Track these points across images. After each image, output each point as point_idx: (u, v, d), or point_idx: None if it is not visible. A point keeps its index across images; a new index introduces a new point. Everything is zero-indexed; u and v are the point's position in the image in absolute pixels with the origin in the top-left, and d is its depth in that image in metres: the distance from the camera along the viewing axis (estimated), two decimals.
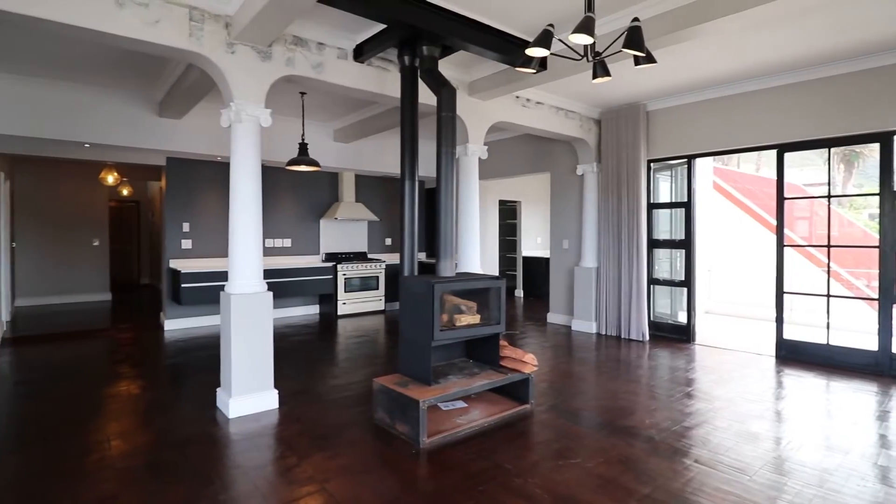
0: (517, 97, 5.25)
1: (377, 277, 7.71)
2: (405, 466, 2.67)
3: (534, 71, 2.80)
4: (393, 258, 8.39)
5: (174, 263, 6.38)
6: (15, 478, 2.54)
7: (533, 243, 9.85)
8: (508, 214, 9.90)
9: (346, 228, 8.01)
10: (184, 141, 5.87)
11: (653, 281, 5.92)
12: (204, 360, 4.87)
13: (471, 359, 3.69)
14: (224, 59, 3.33)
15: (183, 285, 5.97)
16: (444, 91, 3.47)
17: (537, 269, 9.30)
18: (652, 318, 5.92)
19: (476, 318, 3.39)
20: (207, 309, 6.61)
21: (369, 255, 8.26)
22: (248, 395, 3.42)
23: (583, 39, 2.30)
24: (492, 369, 3.46)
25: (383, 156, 7.68)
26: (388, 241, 8.56)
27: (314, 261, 7.60)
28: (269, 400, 3.51)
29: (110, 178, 7.91)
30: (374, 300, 7.67)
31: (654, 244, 5.90)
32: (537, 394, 3.77)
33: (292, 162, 5.43)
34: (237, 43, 3.38)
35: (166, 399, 3.75)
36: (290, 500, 2.34)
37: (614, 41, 2.59)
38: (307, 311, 7.60)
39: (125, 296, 9.45)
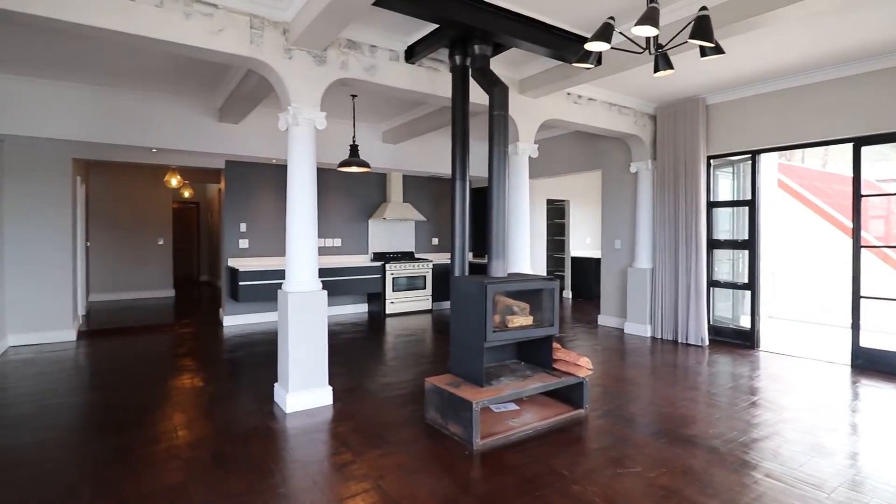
0: (568, 94, 5.14)
1: (424, 277, 7.75)
2: (459, 467, 2.66)
3: (591, 66, 2.72)
4: (440, 258, 8.41)
5: (232, 262, 6.66)
6: (91, 465, 2.71)
7: (581, 243, 9.63)
8: (556, 214, 9.72)
9: (394, 228, 8.11)
10: (241, 145, 6.11)
11: (712, 283, 5.64)
12: (261, 355, 5.05)
13: (522, 361, 3.64)
14: (282, 64, 3.43)
15: (241, 283, 6.22)
16: (497, 90, 3.43)
17: (586, 270, 9.08)
18: (711, 323, 5.65)
19: (529, 320, 3.34)
20: (263, 306, 6.85)
21: (416, 255, 8.32)
22: (304, 390, 3.50)
23: (646, 31, 2.21)
24: (545, 372, 3.39)
25: (430, 156, 7.71)
26: (435, 241, 8.60)
27: (363, 260, 7.73)
28: (323, 396, 3.59)
29: (174, 181, 8.35)
30: (421, 300, 7.72)
31: (713, 244, 5.62)
32: (591, 398, 3.67)
33: (344, 163, 5.54)
34: (294, 48, 3.48)
35: (227, 392, 3.91)
36: (347, 497, 2.38)
37: (679, 31, 2.47)
38: (356, 310, 7.75)
39: (186, 292, 9.95)
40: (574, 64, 2.78)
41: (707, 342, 5.46)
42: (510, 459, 2.74)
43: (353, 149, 5.60)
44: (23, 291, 5.40)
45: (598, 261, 8.84)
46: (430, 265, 7.83)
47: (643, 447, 2.91)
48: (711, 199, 5.62)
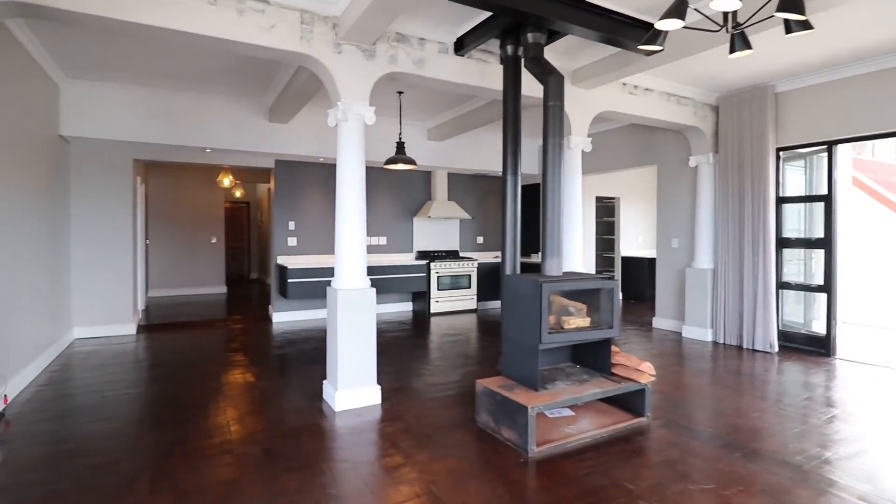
0: (624, 84, 4.89)
1: (469, 276, 7.64)
2: (515, 475, 2.52)
3: (659, 48, 2.52)
4: (485, 257, 8.28)
5: (281, 260, 6.77)
6: (149, 457, 2.75)
7: (633, 242, 9.25)
8: (605, 212, 9.37)
9: (439, 226, 8.03)
10: (290, 143, 6.20)
11: (782, 285, 5.24)
12: (310, 351, 5.08)
13: (578, 364, 3.46)
14: (331, 59, 3.40)
15: (289, 280, 6.30)
16: (552, 79, 3.27)
17: (638, 270, 8.72)
18: (780, 327, 5.25)
19: (586, 321, 3.16)
20: (312, 303, 6.93)
21: (461, 254, 8.21)
22: (353, 388, 3.46)
23: (728, 5, 2.00)
24: (602, 377, 3.21)
25: (476, 153, 7.59)
26: (480, 240, 8.47)
27: (408, 258, 7.70)
28: (372, 395, 3.54)
29: (226, 181, 8.60)
30: (466, 299, 7.61)
31: (782, 243, 5.22)
32: (652, 406, 3.45)
33: (390, 161, 5.51)
34: (343, 43, 3.44)
35: (278, 388, 3.93)
36: (399, 501, 2.29)
37: (764, 4, 2.24)
38: (401, 309, 7.72)
39: (237, 289, 10.26)
40: (640, 47, 2.59)
41: (776, 348, 5.07)
42: (569, 469, 2.58)
43: (400, 146, 5.56)
44: (88, 287, 5.67)
45: (650, 260, 8.49)
46: (475, 264, 7.71)
47: (714, 461, 2.69)
48: (780, 195, 5.22)
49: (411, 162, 5.47)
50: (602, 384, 3.08)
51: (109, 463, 2.66)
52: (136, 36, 3.24)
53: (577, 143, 4.57)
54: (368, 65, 3.54)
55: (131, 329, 5.93)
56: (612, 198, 9.22)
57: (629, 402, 3.23)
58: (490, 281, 7.87)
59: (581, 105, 4.63)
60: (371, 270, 6.82)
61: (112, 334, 5.79)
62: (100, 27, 2.90)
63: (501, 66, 4.11)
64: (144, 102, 5.42)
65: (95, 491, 2.37)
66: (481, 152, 7.63)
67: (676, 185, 6.16)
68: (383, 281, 6.95)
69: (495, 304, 8.05)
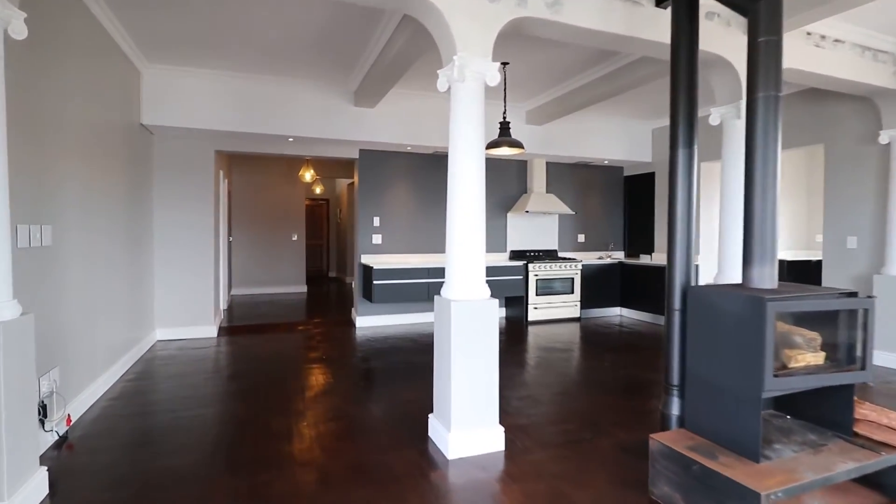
0: (808, 34, 3.74)
1: (572, 279, 6.66)
2: None
3: None
4: (588, 257, 7.25)
5: (366, 259, 6.18)
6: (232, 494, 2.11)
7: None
8: None
9: (536, 223, 7.11)
10: (376, 130, 5.58)
11: None
12: (400, 366, 4.38)
13: (787, 413, 2.44)
14: (446, 1, 2.62)
15: (375, 282, 5.67)
16: (763, 5, 2.28)
17: (787, 275, 7.29)
18: None
19: (820, 357, 2.15)
20: (398, 307, 6.29)
21: (560, 254, 7.24)
22: (470, 430, 2.67)
23: None
24: (842, 439, 2.17)
25: (579, 138, 6.62)
26: (581, 238, 7.44)
27: (501, 259, 6.86)
28: (494, 439, 2.72)
29: (307, 176, 8.22)
30: (569, 305, 6.64)
31: None
32: None
33: (492, 144, 4.68)
34: None
35: (371, 417, 3.23)
36: None
37: None
38: None
39: (317, 288, 9.92)
40: None
41: None
42: None
43: (504, 127, 4.71)
44: (170, 288, 5.35)
45: (802, 263, 7.02)
46: (579, 266, 6.71)
47: None
48: None
49: (518, 145, 4.62)
50: (851, 453, 2.05)
51: None
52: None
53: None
54: (491, 8, 2.72)
55: (212, 331, 5.56)
56: None
57: (882, 476, 2.17)
58: (595, 285, 6.84)
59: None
60: None
61: (193, 336, 5.45)
62: None
63: (658, 10, 3.16)
64: (226, 89, 4.99)
65: None
66: (584, 137, 6.65)
67: (854, 169, 4.83)
68: None
69: (601, 313, 7.00)
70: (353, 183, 10.07)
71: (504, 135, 4.69)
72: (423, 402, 3.41)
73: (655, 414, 3.25)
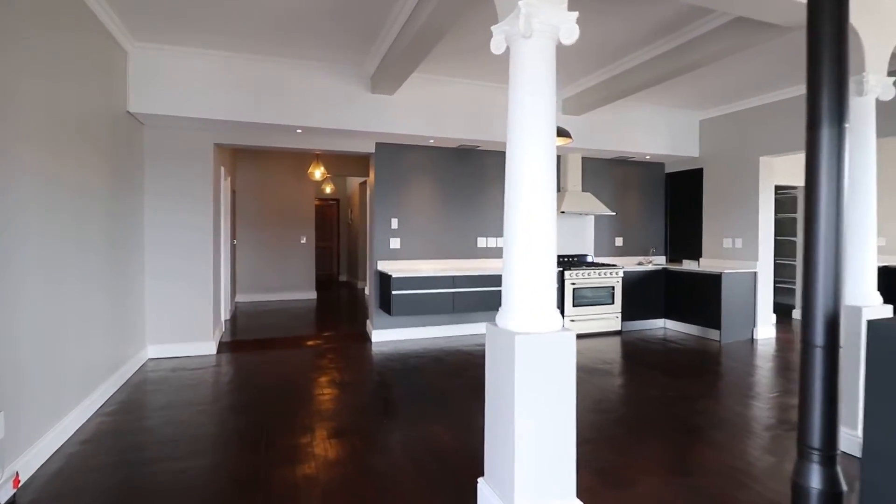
0: None
1: (612, 288, 5.96)
2: None
3: None
4: (627, 263, 6.54)
5: (383, 266, 5.51)
6: None
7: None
8: (779, 206, 7.25)
9: (569, 225, 6.42)
10: (396, 120, 4.93)
11: None
12: (428, 395, 3.71)
13: None
14: None
15: (394, 292, 5.01)
16: None
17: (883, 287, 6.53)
18: None
19: None
20: (418, 319, 5.62)
21: (595, 259, 6.54)
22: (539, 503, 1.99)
23: None
24: None
25: (618, 131, 5.94)
26: (619, 242, 6.73)
27: None
28: None
29: (317, 173, 7.58)
30: (608, 317, 5.94)
31: None
32: None
33: None
34: None
35: (400, 470, 2.56)
36: None
37: None
38: None
39: (327, 294, 9.29)
40: None
41: None
42: None
43: None
44: (163, 299, 4.72)
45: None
46: (620, 273, 6.01)
47: None
48: None
49: (565, 134, 3.94)
50: None
51: None
52: None
53: (874, 84, 2.78)
54: None
55: (211, 348, 4.93)
56: (792, 188, 7.09)
57: None
58: (637, 294, 6.13)
59: (881, 17, 2.83)
60: (486, 280, 5.38)
61: (189, 354, 4.82)
62: None
63: None
64: (225, 72, 4.36)
65: None
66: (625, 130, 5.97)
67: None
68: (500, 294, 5.46)
69: (643, 325, 6.28)
70: (365, 181, 9.45)
71: None
72: (460, 448, 2.74)
73: (764, 474, 2.55)
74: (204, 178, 4.86)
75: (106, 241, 3.59)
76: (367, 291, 9.33)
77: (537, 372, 1.97)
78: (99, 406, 3.40)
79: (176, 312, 4.77)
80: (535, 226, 2.01)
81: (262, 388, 3.90)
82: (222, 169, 5.86)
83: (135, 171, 4.36)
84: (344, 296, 9.30)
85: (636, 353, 5.13)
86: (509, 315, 2.04)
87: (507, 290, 2.08)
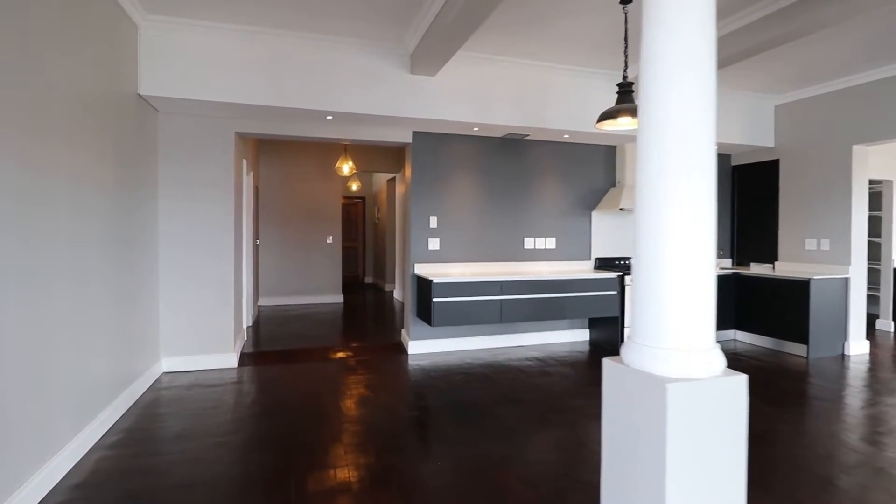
0: None
1: None
2: None
3: None
4: None
5: (421, 269, 4.94)
6: None
7: None
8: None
9: (626, 224, 5.74)
10: (437, 105, 4.35)
11: None
12: (482, 423, 3.10)
13: None
14: None
15: (435, 300, 4.42)
16: None
17: None
18: None
19: None
20: (457, 329, 5.03)
21: None
22: None
23: None
24: None
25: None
26: None
27: (585, 268, 5.53)
28: None
29: (345, 168, 7.06)
30: None
31: None
32: None
33: (607, 115, 3.36)
34: None
35: None
36: None
37: None
38: (568, 338, 5.54)
39: (353, 297, 8.77)
40: None
41: None
42: None
43: (624, 90, 3.37)
44: (179, 305, 4.23)
45: None
46: None
47: None
48: None
49: None
50: None
51: None
52: None
53: None
54: None
55: (232, 360, 4.42)
56: (877, 181, 6.29)
57: None
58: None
59: None
60: (538, 286, 4.76)
61: (208, 367, 4.32)
62: None
63: None
64: (247, 49, 3.84)
65: None
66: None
67: None
68: (552, 302, 4.83)
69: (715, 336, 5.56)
70: (394, 178, 8.90)
71: (625, 99, 3.36)
72: (520, 481, 2.13)
73: None
74: (224, 170, 4.35)
75: (112, 241, 3.09)
76: (395, 295, 8.78)
77: (698, 434, 1.35)
78: (100, 436, 2.89)
79: (193, 320, 4.28)
80: (693, 226, 1.40)
81: (290, 413, 3.35)
82: (245, 162, 5.36)
83: (148, 161, 3.86)
84: (371, 299, 8.77)
85: None
86: (649, 350, 1.43)
87: (643, 314, 1.47)
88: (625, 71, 3.41)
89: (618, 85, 3.41)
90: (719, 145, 5.63)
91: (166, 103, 3.89)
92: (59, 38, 2.41)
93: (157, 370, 4.09)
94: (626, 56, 3.38)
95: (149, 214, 3.90)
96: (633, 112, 3.30)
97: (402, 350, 5.06)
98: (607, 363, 1.57)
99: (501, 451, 2.75)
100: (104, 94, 2.99)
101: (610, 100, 4.87)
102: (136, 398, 3.55)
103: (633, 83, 3.39)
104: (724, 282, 5.54)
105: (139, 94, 3.64)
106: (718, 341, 5.14)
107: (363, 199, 11.06)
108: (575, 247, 5.56)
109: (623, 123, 3.41)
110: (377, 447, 2.82)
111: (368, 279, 11.23)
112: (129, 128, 3.44)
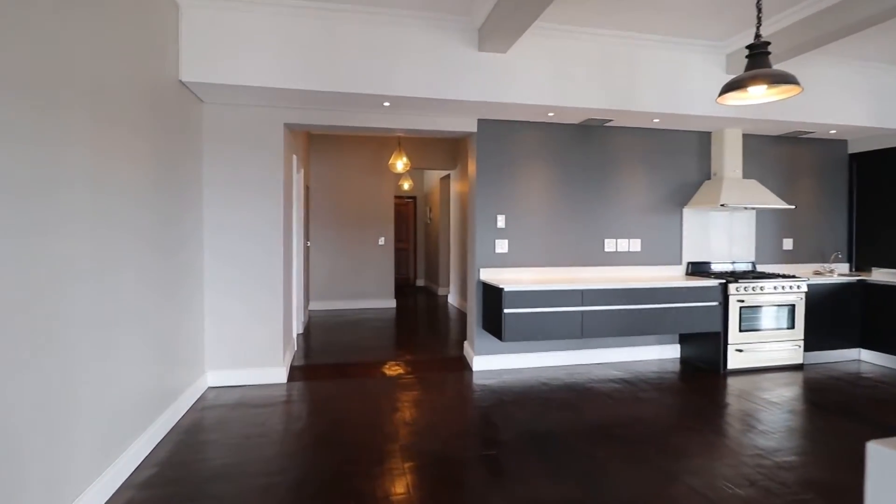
0: None
1: (793, 307, 4.43)
2: None
3: None
4: (800, 272, 4.97)
5: (486, 274, 4.37)
6: None
7: None
8: None
9: (723, 223, 4.94)
10: (508, 85, 3.78)
11: None
12: (571, 467, 2.49)
13: None
14: None
15: (506, 311, 3.84)
16: None
17: None
18: None
19: None
20: (529, 343, 4.44)
21: (757, 267, 5.02)
22: None
23: None
24: None
25: (794, 97, 4.38)
26: (788, 244, 5.15)
27: (676, 274, 4.78)
28: None
29: (399, 164, 6.59)
30: (786, 346, 4.43)
31: None
32: None
33: (733, 85, 2.66)
34: None
35: None
36: None
37: None
38: (655, 354, 4.81)
39: (406, 302, 8.32)
40: None
41: None
42: None
43: (758, 51, 2.66)
44: (225, 314, 3.87)
45: None
46: (803, 287, 4.46)
47: None
48: None
49: (789, 80, 2.56)
50: None
51: None
52: None
53: None
54: None
55: (281, 375, 4.01)
56: None
57: None
58: (822, 316, 4.56)
59: None
60: (626, 296, 4.08)
61: (256, 382, 3.93)
62: None
63: None
64: (296, 28, 3.41)
65: None
66: (805, 94, 4.39)
67: None
68: (642, 314, 4.13)
69: (831, 356, 4.67)
70: (448, 176, 8.39)
71: (758, 63, 2.65)
72: None
73: None
74: (273, 166, 3.96)
75: (152, 245, 2.71)
76: (450, 300, 8.27)
77: None
78: (132, 471, 2.50)
79: (241, 330, 3.90)
80: None
81: (344, 447, 2.86)
82: (295, 158, 4.98)
83: (191, 157, 3.50)
84: (425, 304, 8.28)
85: (847, 401, 3.62)
86: None
87: None
88: (757, 29, 2.70)
89: (748, 47, 2.71)
90: (839, 128, 4.74)
91: (210, 91, 3.52)
92: (106, 23, 2.01)
93: (202, 385, 3.74)
94: (758, 8, 2.67)
95: (192, 216, 3.54)
96: (769, 79, 2.59)
97: (465, 366, 4.51)
98: (876, 449, 0.95)
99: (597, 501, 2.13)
100: (142, 81, 2.60)
101: (710, 75, 4.15)
102: (180, 417, 3.19)
103: (768, 42, 2.68)
104: (845, 291, 4.65)
105: (181, 81, 3.27)
106: (838, 362, 4.26)
107: (414, 198, 10.63)
108: (663, 249, 4.82)
109: (755, 95, 2.71)
110: (447, 493, 2.27)
111: (420, 282, 10.79)
112: (170, 120, 3.07)
